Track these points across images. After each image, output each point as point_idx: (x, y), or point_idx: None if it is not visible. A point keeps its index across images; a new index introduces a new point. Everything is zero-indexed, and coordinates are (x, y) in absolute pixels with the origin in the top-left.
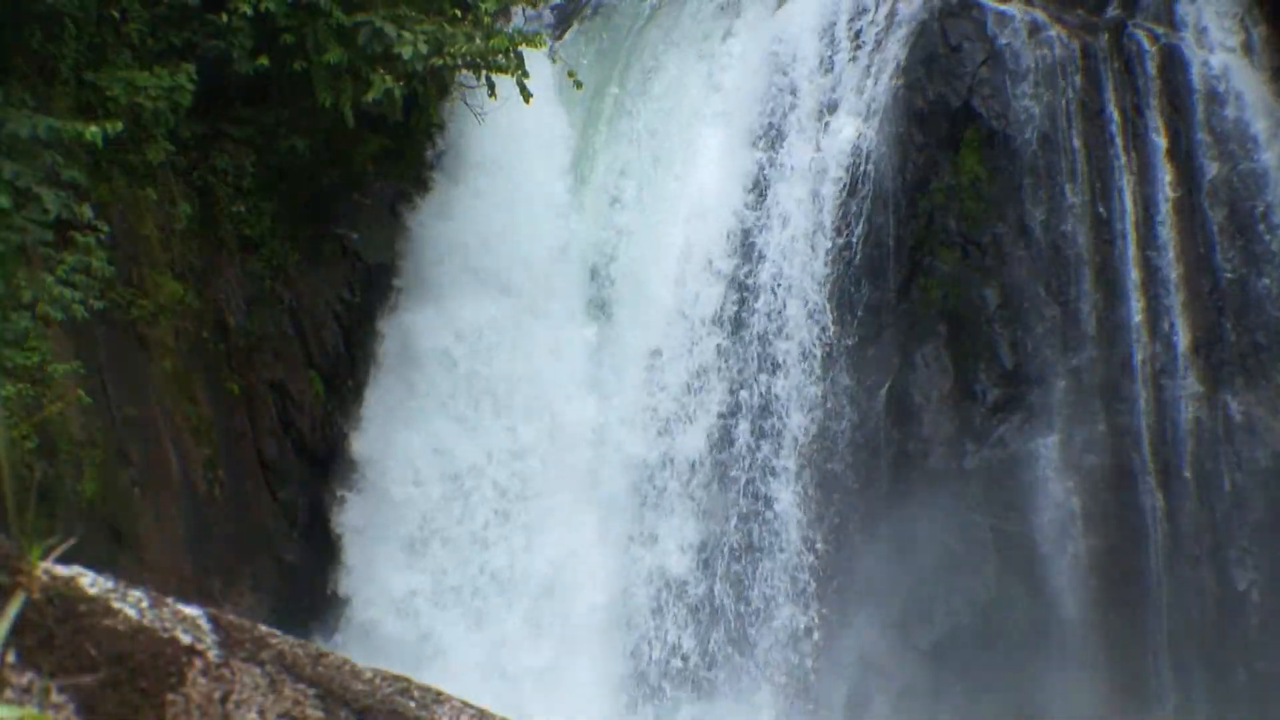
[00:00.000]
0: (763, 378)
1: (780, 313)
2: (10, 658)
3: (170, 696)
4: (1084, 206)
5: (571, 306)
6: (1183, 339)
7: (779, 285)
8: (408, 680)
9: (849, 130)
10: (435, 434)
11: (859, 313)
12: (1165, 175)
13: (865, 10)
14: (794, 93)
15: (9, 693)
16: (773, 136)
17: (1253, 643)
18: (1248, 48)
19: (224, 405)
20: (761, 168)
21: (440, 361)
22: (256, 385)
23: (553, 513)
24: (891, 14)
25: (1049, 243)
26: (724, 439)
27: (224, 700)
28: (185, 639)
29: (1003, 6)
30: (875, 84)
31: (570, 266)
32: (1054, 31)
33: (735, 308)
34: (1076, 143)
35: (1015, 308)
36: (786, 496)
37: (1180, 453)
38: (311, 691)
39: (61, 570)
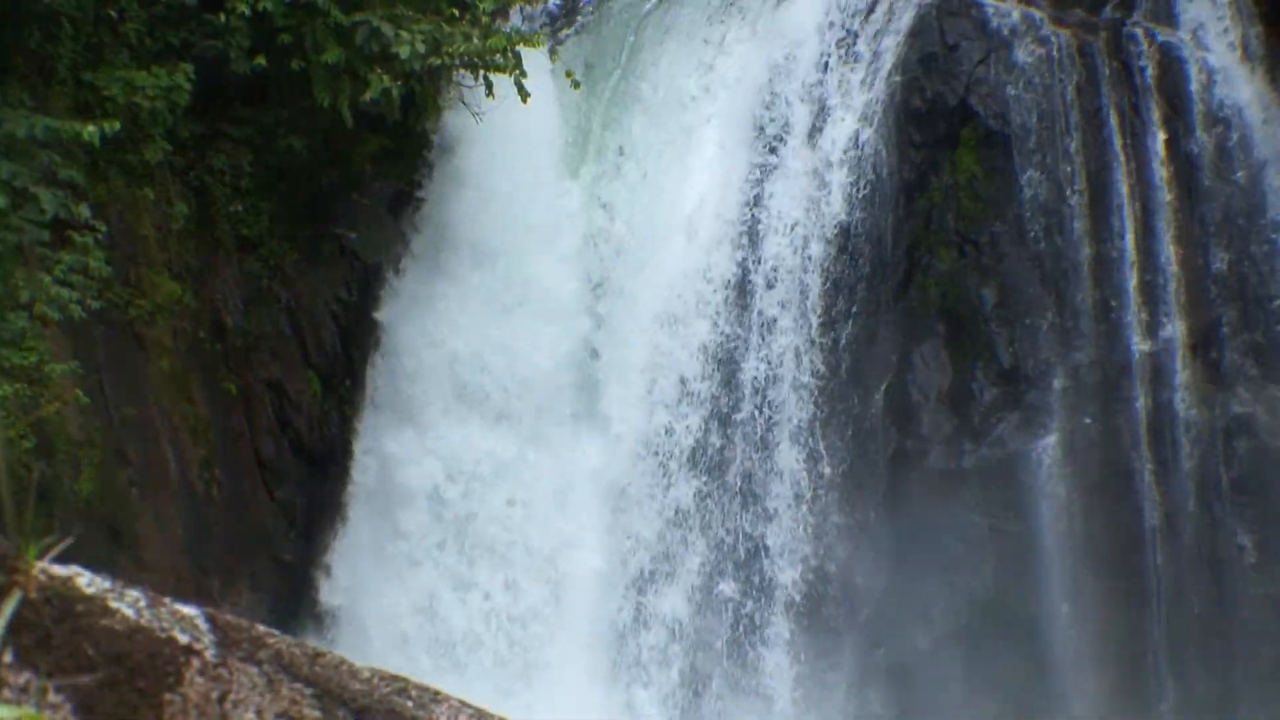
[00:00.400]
0: (747, 521)
1: (769, 447)
2: (7, 657)
3: (168, 696)
4: (1082, 205)
5: (578, 431)
6: (1181, 338)
7: (763, 408)
8: (405, 680)
9: (838, 201)
10: (424, 591)
11: (850, 419)
12: (1162, 173)
13: (863, 10)
14: (782, 169)
15: (6, 692)
16: (755, 236)
17: (1251, 642)
18: (1245, 47)
19: (221, 405)
20: (746, 272)
21: (428, 505)
22: (254, 385)
23: (561, 688)
24: (889, 13)
25: (1047, 241)
26: (706, 596)
27: (221, 700)
28: (183, 639)
29: (1000, 5)
30: (872, 84)
31: (574, 379)
32: (1051, 30)
33: (720, 442)
34: (1074, 141)
35: (1013, 306)
36: (777, 659)
37: (1179, 452)
38: (309, 691)
39: (59, 570)
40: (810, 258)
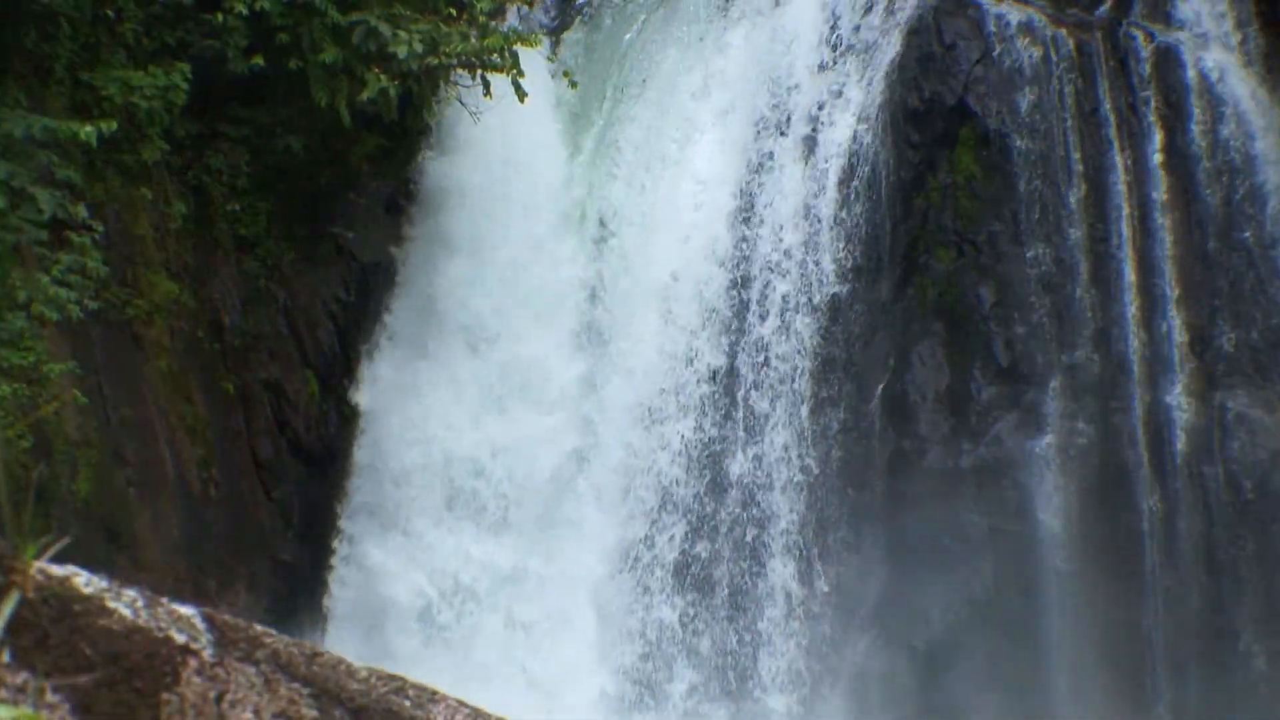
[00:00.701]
0: (733, 635)
1: (759, 559)
2: (5, 657)
3: (165, 696)
4: (1079, 205)
5: (582, 543)
6: (1178, 338)
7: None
8: (402, 679)
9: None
10: None
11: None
12: (1160, 173)
13: (861, 10)
14: (769, 241)
15: (3, 692)
16: (743, 319)
17: (1247, 642)
18: (1243, 47)
19: (219, 405)
20: (732, 359)
21: (420, 628)
22: (252, 385)
23: None
24: (888, 13)
25: (1044, 241)
26: None
27: (219, 700)
28: (180, 638)
29: (998, 5)
30: (870, 84)
31: (579, 475)
32: (1049, 30)
33: (706, 553)
34: (1072, 141)
35: (1011, 306)
36: None
37: (1175, 452)
38: (306, 691)
39: (56, 570)
40: (799, 333)
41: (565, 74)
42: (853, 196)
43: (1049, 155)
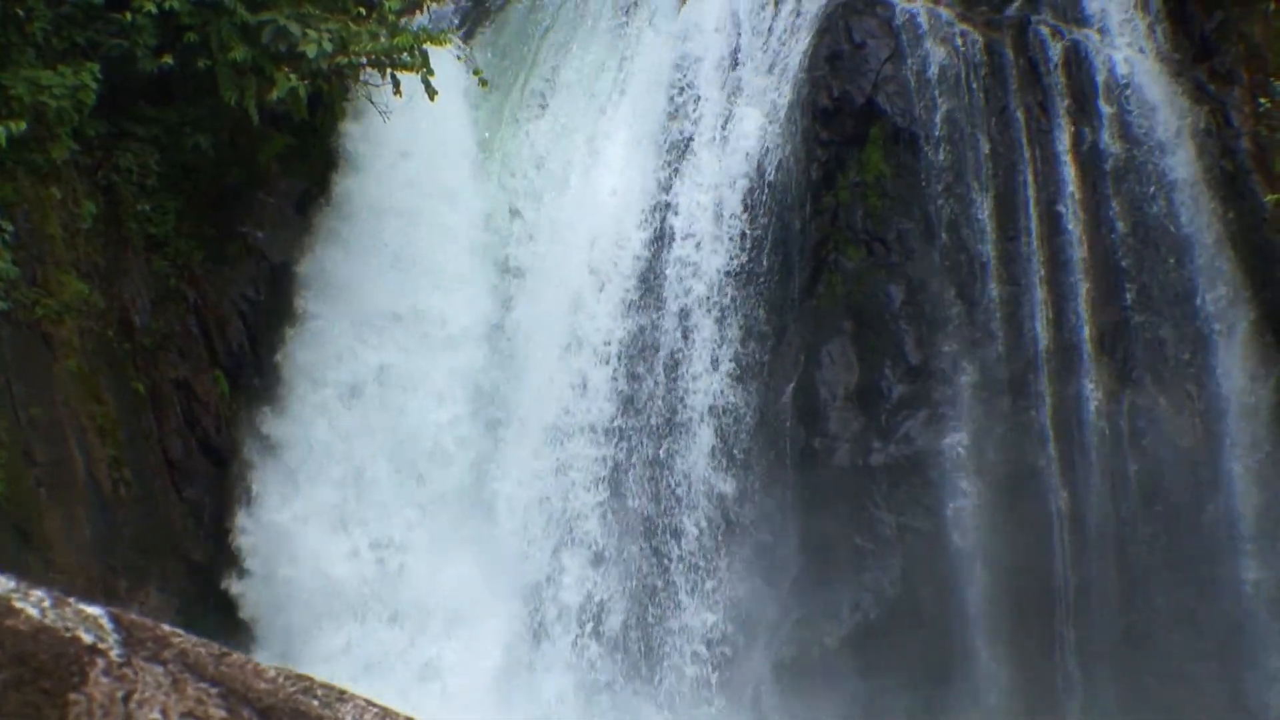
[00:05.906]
0: (643, 629)
1: None
2: None
3: (73, 696)
4: (989, 203)
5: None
6: (1088, 335)
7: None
8: (310, 679)
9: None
10: None
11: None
12: (1070, 171)
13: (769, 9)
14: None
15: None
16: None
17: (1159, 639)
18: (1152, 45)
19: (129, 405)
20: (642, 357)
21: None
22: (162, 384)
23: None
24: (796, 12)
25: (954, 239)
26: None
27: (126, 699)
28: (87, 638)
29: (907, 4)
30: (779, 83)
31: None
32: (959, 28)
33: (614, 544)
34: (981, 139)
35: (920, 304)
36: None
37: (1086, 449)
38: (214, 690)
39: None
40: (709, 332)
41: (476, 72)
42: (762, 195)
43: (959, 154)
